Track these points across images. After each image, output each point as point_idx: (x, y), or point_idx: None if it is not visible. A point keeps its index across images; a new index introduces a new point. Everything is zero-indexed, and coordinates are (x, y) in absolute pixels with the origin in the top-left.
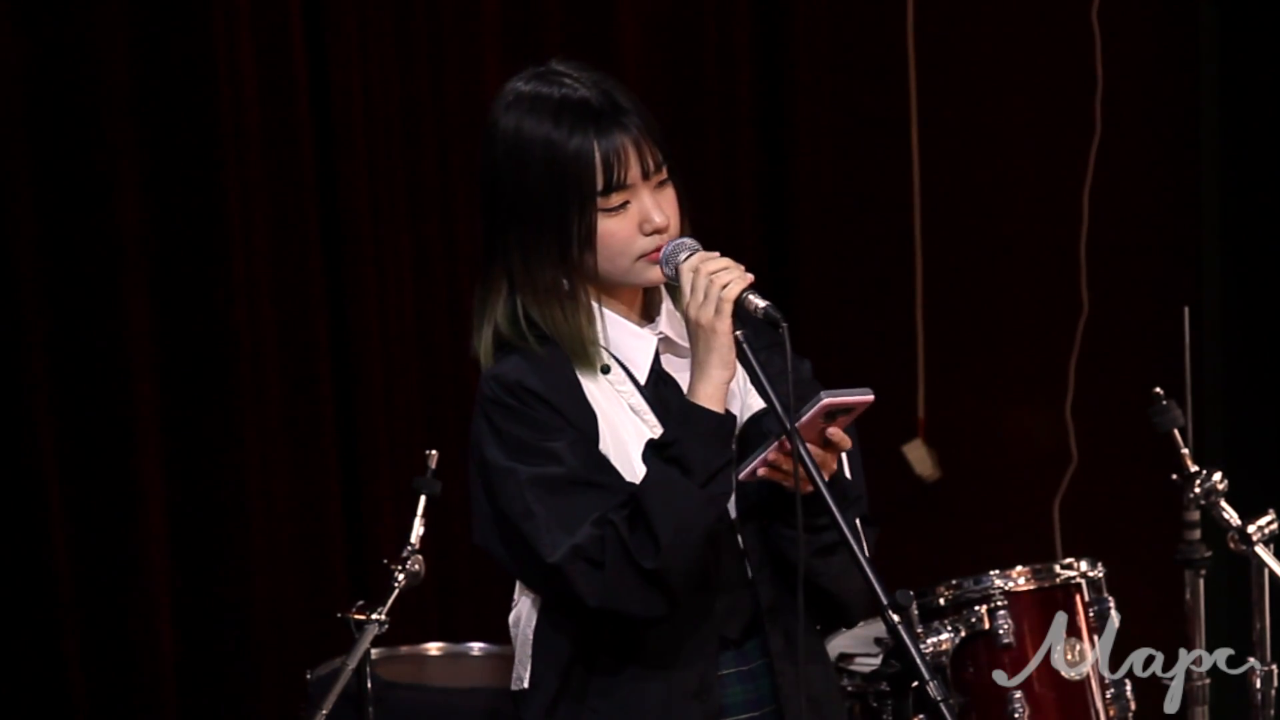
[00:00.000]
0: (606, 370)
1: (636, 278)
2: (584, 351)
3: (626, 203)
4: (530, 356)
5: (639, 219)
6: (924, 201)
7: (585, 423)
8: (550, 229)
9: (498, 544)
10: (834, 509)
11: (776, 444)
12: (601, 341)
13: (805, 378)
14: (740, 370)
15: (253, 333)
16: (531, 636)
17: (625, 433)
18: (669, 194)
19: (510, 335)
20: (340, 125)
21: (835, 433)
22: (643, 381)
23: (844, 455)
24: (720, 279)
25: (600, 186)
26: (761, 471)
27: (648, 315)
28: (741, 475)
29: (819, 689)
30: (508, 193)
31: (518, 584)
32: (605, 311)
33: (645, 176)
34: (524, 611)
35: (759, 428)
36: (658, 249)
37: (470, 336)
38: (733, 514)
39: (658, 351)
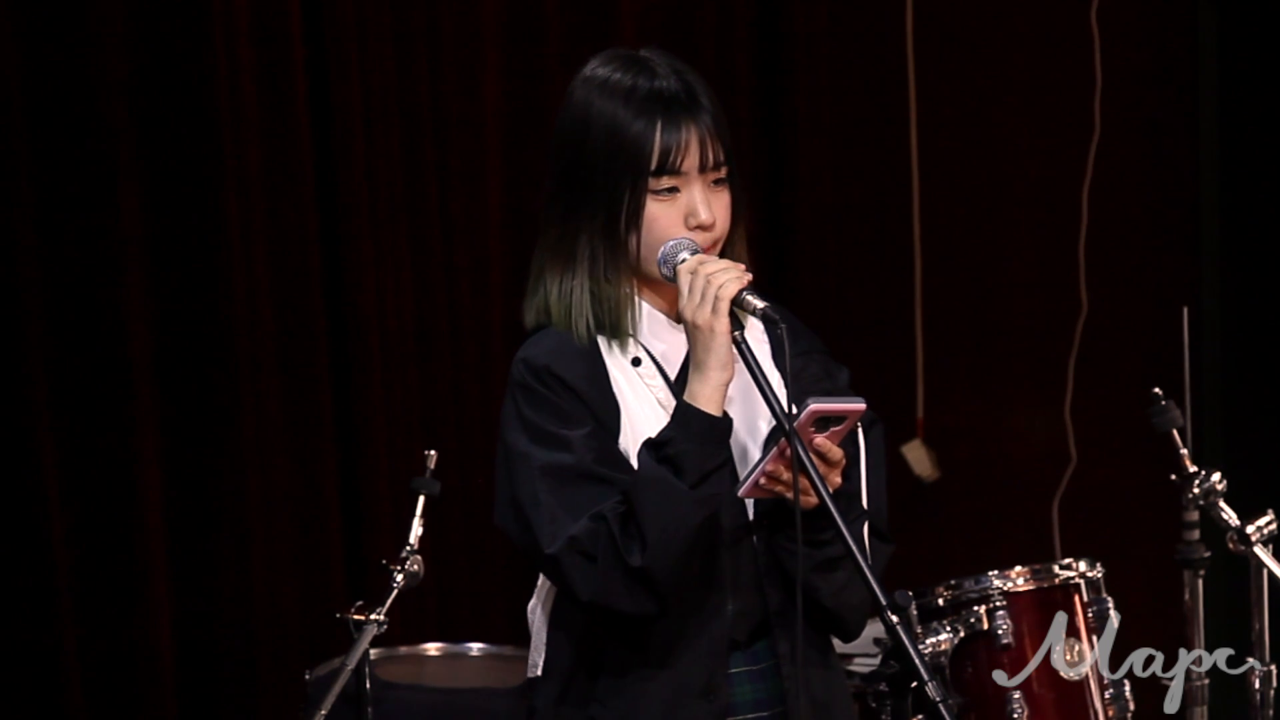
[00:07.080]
0: (638, 363)
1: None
2: (619, 326)
3: (676, 190)
4: (564, 340)
5: (685, 211)
6: (924, 201)
7: (607, 414)
8: (601, 201)
9: (514, 525)
10: (836, 517)
11: (774, 453)
12: (636, 333)
13: (842, 386)
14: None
15: (252, 333)
16: (546, 625)
17: (648, 427)
18: (723, 197)
19: (556, 313)
20: (339, 125)
21: (822, 442)
22: (674, 377)
23: (864, 473)
24: (717, 279)
25: (654, 165)
26: (763, 482)
27: None
28: (741, 491)
29: (826, 693)
30: (569, 164)
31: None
32: (643, 305)
33: (702, 170)
34: (541, 599)
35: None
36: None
37: (521, 298)
38: (750, 516)
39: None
